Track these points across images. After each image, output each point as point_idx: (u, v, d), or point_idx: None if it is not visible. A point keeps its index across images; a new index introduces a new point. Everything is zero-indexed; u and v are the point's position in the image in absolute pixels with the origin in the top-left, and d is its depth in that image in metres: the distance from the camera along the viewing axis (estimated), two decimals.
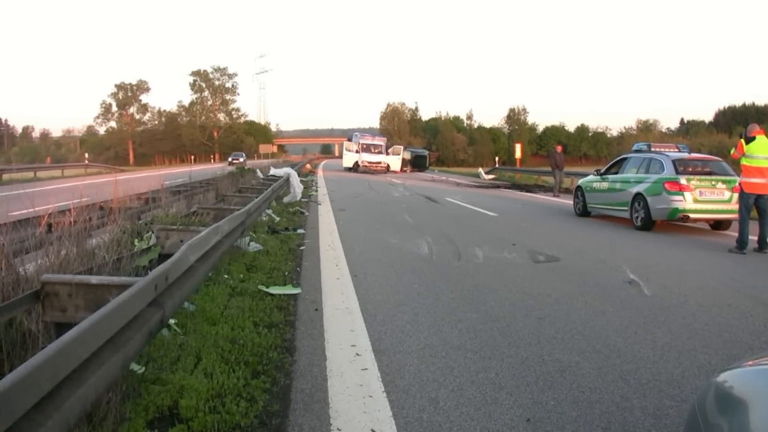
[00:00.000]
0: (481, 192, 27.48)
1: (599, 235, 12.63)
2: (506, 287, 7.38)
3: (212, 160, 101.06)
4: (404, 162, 52.28)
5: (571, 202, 18.37)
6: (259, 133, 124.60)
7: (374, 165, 47.79)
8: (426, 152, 61.15)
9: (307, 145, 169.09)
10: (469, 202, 20.65)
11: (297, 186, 19.41)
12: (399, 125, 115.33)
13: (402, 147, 54.59)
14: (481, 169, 48.91)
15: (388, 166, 48.83)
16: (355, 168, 48.05)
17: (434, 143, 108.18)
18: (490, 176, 44.87)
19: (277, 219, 13.68)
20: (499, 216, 16.30)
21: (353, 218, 15.09)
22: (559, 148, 28.14)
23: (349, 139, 52.52)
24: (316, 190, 25.06)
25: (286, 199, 18.37)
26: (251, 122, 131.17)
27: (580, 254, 9.94)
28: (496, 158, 64.56)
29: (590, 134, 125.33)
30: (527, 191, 28.42)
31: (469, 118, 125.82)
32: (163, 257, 5.78)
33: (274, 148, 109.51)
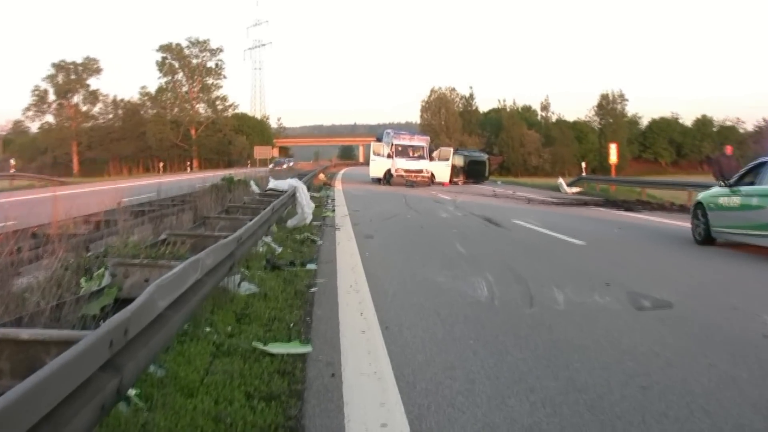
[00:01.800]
0: (562, 211, 27.43)
1: (728, 271, 12.44)
2: (597, 344, 7.35)
3: (189, 168, 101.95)
4: (455, 170, 52.55)
5: (688, 225, 18.20)
6: (253, 130, 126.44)
7: (413, 174, 47.94)
8: (485, 156, 61.31)
9: (320, 148, 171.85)
10: (546, 225, 20.61)
11: (306, 204, 19.57)
12: (447, 119, 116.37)
13: (452, 149, 54.77)
14: (561, 180, 48.50)
15: (433, 175, 48.96)
16: (387, 179, 48.31)
17: (496, 144, 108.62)
18: (575, 189, 44.63)
19: (279, 250, 13.76)
20: (587, 244, 16.27)
21: (384, 248, 15.19)
22: (728, 149, 26.63)
23: (379, 139, 52.87)
24: (333, 210, 25.22)
25: (290, 223, 18.51)
26: (243, 116, 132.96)
27: (701, 297, 9.84)
28: (583, 164, 63.68)
29: (715, 129, 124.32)
30: (627, 210, 28.22)
31: (545, 108, 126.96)
32: (122, 303, 5.78)
33: (275, 152, 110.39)
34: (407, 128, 71.33)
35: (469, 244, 15.87)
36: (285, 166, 78.33)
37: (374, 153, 50.30)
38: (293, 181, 21.78)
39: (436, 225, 20.70)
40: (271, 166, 78.22)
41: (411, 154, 49.71)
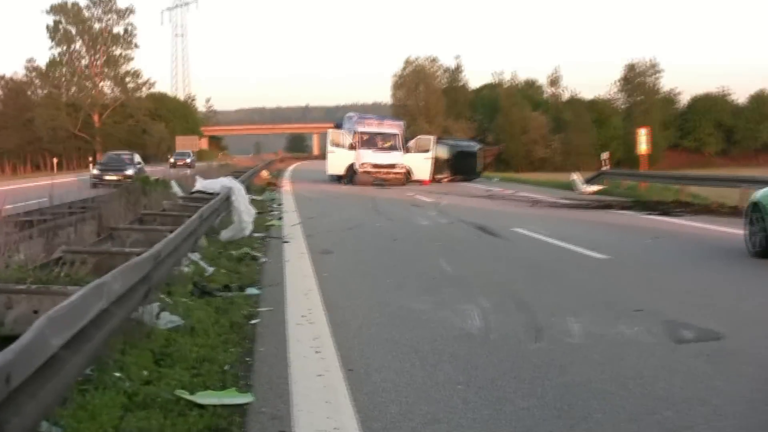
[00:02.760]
0: (577, 216, 27.44)
1: None
2: (623, 388, 7.35)
3: (92, 165, 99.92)
4: (438, 164, 52.56)
5: (740, 232, 18.20)
6: (175, 115, 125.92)
7: (383, 171, 47.97)
8: (476, 147, 61.48)
9: (261, 138, 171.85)
10: (556, 234, 20.54)
11: (245, 211, 19.58)
12: (427, 98, 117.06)
13: (433, 138, 54.73)
14: (576, 176, 48.19)
15: (409, 172, 49.22)
16: (350, 177, 48.43)
17: (491, 130, 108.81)
18: (594, 188, 44.47)
19: (210, 270, 13.79)
20: (610, 259, 16.31)
21: (347, 266, 15.34)
22: None
23: (338, 126, 53.53)
24: (281, 218, 25.31)
25: (225, 235, 18.49)
26: (162, 97, 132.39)
27: (759, 327, 9.87)
28: (604, 155, 62.84)
29: None
30: (662, 214, 28.19)
31: (554, 83, 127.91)
32: (2, 341, 5.49)
33: (203, 143, 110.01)
34: (375, 111, 71.37)
35: (457, 261, 15.96)
36: (188, 160, 79.35)
37: (333, 144, 50.22)
38: (227, 181, 21.70)
39: (413, 236, 20.89)
40: (171, 160, 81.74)
41: (380, 144, 49.86)
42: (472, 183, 53.53)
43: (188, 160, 78.50)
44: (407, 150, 50.51)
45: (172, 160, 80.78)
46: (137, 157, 56.95)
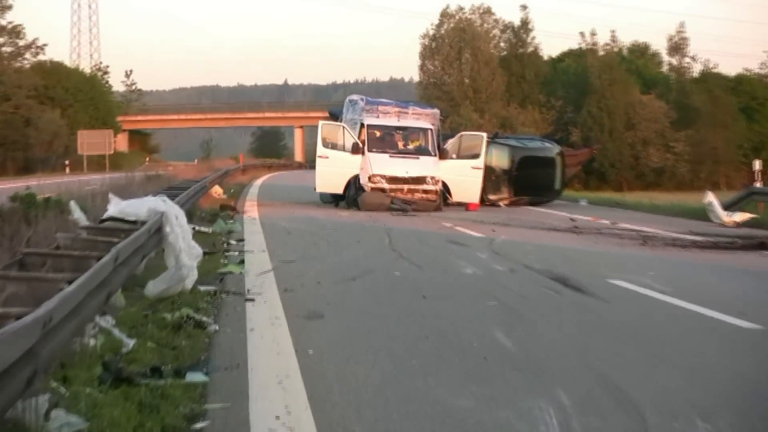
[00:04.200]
0: (714, 261, 23.39)
1: None
2: None
3: None
4: (493, 177, 43.43)
5: None
6: (78, 98, 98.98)
7: (407, 188, 39.15)
8: (554, 149, 49.04)
9: (214, 133, 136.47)
10: (680, 290, 17.28)
11: (185, 250, 16.15)
12: (476, 72, 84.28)
13: (485, 136, 43.48)
14: (713, 198, 41.82)
15: (447, 189, 40.33)
16: (353, 197, 39.40)
17: (577, 123, 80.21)
18: (740, 216, 39.00)
19: (131, 343, 11.30)
20: (765, 331, 13.56)
21: (347, 338, 12.44)
22: None
23: (334, 116, 44.20)
24: (242, 262, 20.85)
25: (154, 288, 15.14)
26: (57, 69, 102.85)
27: None
28: (756, 165, 53.01)
29: None
30: None
31: (677, 50, 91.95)
32: None
33: (121, 141, 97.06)
34: (393, 94, 63.28)
35: (522, 332, 12.95)
36: None
37: (325, 144, 39.70)
38: (158, 203, 17.64)
39: (452, 291, 17.06)
40: None
41: (401, 145, 40.59)
42: (545, 207, 44.08)
43: None
44: (444, 155, 40.17)
45: None
46: None
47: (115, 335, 11.36)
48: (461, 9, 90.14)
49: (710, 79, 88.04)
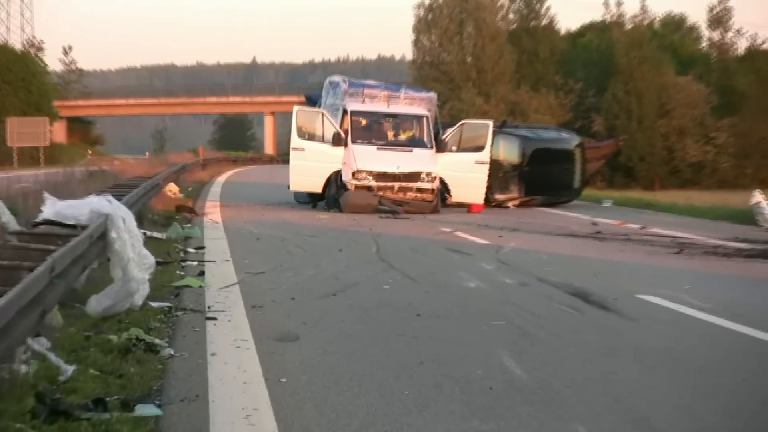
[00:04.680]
0: (761, 271, 22.03)
1: None
2: None
3: None
4: (501, 173, 40.12)
5: None
6: (6, 80, 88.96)
7: (397, 186, 36.40)
8: (573, 140, 45.26)
9: (168, 121, 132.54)
10: (720, 307, 15.81)
11: (134, 259, 14.77)
12: (481, 48, 75.27)
13: (490, 125, 39.73)
14: (761, 198, 39.57)
15: (445, 187, 37.37)
16: (334, 197, 36.66)
17: (600, 109, 71.47)
18: None
19: (70, 370, 10.34)
20: None
21: (326, 365, 11.20)
22: None
23: (312, 101, 40.84)
24: (202, 273, 19.20)
25: (97, 304, 13.83)
26: None
27: None
28: None
29: None
30: None
31: (717, 23, 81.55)
32: None
33: (58, 130, 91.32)
34: (382, 74, 60.99)
35: (535, 356, 11.76)
36: None
37: (301, 134, 36.73)
38: (102, 204, 16.07)
39: (452, 309, 15.51)
40: None
41: (391, 135, 38.04)
42: (562, 209, 41.01)
43: None
44: (442, 147, 37.16)
45: None
46: None
47: (51, 360, 10.53)
48: None
49: (758, 57, 78.61)
